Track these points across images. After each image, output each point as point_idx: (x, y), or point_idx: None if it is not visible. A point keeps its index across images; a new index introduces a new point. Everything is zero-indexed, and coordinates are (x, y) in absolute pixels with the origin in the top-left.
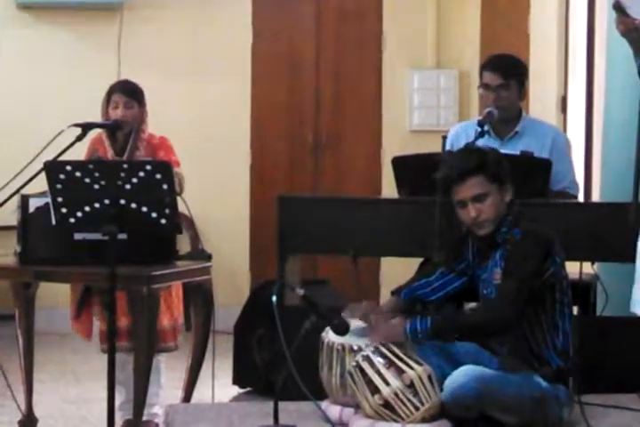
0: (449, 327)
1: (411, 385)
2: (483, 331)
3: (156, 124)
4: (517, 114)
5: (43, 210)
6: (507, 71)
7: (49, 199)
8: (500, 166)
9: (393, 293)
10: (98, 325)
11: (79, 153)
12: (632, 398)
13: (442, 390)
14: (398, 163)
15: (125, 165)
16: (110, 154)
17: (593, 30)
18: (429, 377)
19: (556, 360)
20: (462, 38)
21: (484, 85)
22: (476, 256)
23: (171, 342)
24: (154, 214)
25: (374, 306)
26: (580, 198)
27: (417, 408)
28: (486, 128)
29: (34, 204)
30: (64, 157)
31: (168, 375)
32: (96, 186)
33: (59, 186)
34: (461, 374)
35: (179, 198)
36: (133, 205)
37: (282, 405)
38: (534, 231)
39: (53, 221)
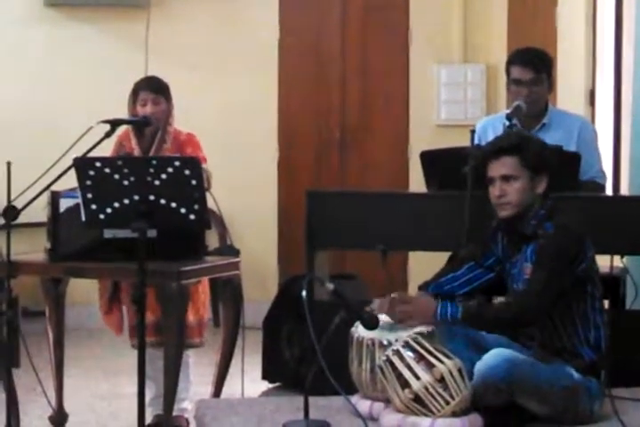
0: (479, 314)
1: (441, 379)
2: (512, 322)
3: (184, 120)
4: (544, 106)
5: (72, 209)
6: (537, 65)
7: (79, 198)
8: (539, 156)
9: (420, 288)
10: (128, 320)
11: (105, 149)
12: None
13: (472, 381)
14: (426, 157)
15: (154, 161)
16: (137, 151)
17: (621, 23)
18: (459, 371)
19: (589, 353)
20: (489, 32)
21: (515, 81)
22: (505, 251)
23: (196, 338)
24: (183, 210)
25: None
26: (609, 192)
27: (447, 402)
28: (514, 121)
29: (64, 204)
30: (92, 154)
31: (198, 371)
32: (125, 182)
33: (88, 182)
34: (492, 356)
35: (207, 194)
36: (162, 201)
37: (312, 399)
38: (566, 226)
39: (83, 218)
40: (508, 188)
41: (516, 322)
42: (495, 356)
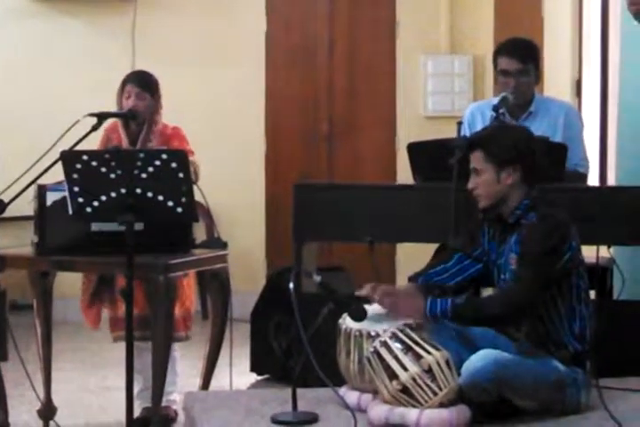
0: (468, 310)
1: (429, 370)
2: (501, 316)
3: (171, 113)
4: (532, 96)
5: (59, 202)
6: (524, 56)
7: (65, 190)
8: (504, 149)
9: (410, 279)
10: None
11: (92, 143)
12: None
13: (459, 374)
14: (414, 149)
15: (141, 154)
16: (125, 143)
17: (607, 13)
18: (447, 362)
19: (574, 344)
20: (476, 23)
21: (502, 72)
22: (491, 241)
23: (182, 332)
24: (170, 203)
25: (379, 287)
26: (596, 182)
27: (435, 393)
28: (502, 111)
29: (51, 198)
30: (79, 147)
31: (185, 363)
32: (112, 175)
33: (75, 176)
34: (479, 358)
35: (194, 187)
36: (149, 194)
37: (300, 391)
38: (550, 215)
39: (70, 211)
40: (477, 180)
41: (505, 316)
42: (482, 358)
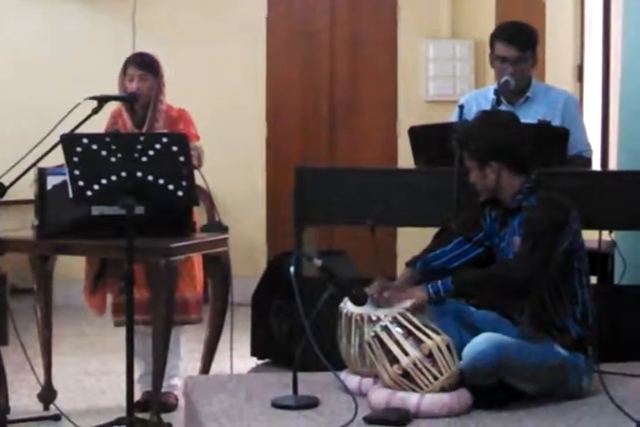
0: (468, 280)
1: (429, 355)
2: (500, 283)
3: (172, 96)
4: (528, 80)
5: (60, 186)
6: (523, 44)
7: (66, 173)
8: (481, 148)
9: (408, 264)
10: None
11: (93, 126)
12: None
13: (461, 359)
14: (415, 133)
15: (142, 138)
16: (129, 126)
17: None
18: (448, 347)
19: (576, 329)
20: (477, 7)
21: (499, 58)
22: (493, 225)
23: (193, 315)
24: (170, 187)
25: (387, 283)
26: (597, 167)
27: (436, 378)
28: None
29: (51, 181)
30: (81, 130)
31: (187, 347)
32: (113, 159)
33: (75, 159)
34: (481, 341)
35: (195, 170)
36: (150, 178)
37: (301, 375)
38: (550, 198)
39: (70, 195)
40: (471, 176)
41: (504, 283)
42: (484, 341)
